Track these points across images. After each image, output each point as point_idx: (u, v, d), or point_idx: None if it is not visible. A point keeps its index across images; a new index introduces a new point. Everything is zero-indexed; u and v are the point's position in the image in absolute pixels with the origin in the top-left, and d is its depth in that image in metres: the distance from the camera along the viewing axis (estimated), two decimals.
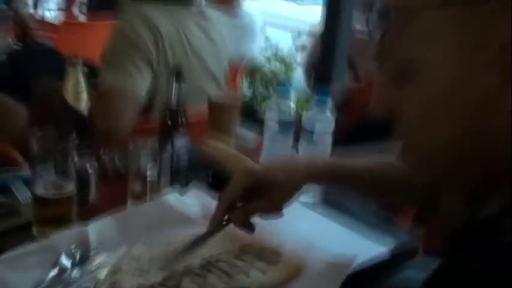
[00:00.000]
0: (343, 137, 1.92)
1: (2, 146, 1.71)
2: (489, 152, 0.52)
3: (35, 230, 0.97)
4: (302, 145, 1.25)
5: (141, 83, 1.43)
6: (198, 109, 1.59)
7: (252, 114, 3.36)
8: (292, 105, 1.28)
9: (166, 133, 1.19)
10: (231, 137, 1.39)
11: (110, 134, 1.33)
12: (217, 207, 0.89)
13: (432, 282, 0.58)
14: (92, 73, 2.11)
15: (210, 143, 1.31)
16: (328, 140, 1.23)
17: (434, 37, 0.52)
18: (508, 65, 0.48)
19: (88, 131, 1.05)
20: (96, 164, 1.01)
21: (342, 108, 2.17)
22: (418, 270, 0.97)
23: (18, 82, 2.01)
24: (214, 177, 1.23)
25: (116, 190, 1.12)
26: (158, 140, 1.20)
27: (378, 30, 0.58)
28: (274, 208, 0.89)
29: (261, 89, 3.31)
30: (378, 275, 1.01)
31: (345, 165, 0.92)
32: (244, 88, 2.75)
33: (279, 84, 1.28)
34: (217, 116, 1.39)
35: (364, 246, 1.03)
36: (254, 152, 1.64)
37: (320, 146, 1.22)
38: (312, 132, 1.22)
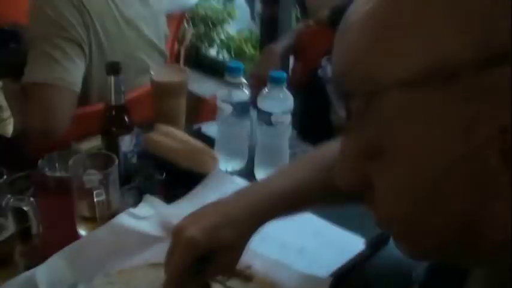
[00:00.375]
0: (300, 85, 1.84)
1: None
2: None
3: None
4: (260, 128, 1.14)
5: (74, 72, 1.27)
6: (143, 88, 1.45)
7: (199, 58, 3.21)
8: (245, 82, 1.16)
9: (109, 138, 1.07)
10: (179, 124, 1.27)
11: (47, 133, 1.19)
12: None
13: None
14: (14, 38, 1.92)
15: (157, 134, 1.19)
16: (288, 120, 1.13)
17: (401, 120, 0.44)
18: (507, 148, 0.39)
19: (18, 154, 0.91)
20: (31, 199, 0.88)
21: (295, 55, 2.06)
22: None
23: None
24: (168, 173, 1.13)
25: (62, 208, 1.00)
26: (103, 146, 1.09)
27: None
28: (230, 269, 0.79)
29: (202, 30, 3.12)
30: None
31: (292, 194, 0.80)
32: (187, 34, 2.58)
33: (228, 67, 1.14)
34: (162, 100, 1.26)
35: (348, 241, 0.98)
36: (210, 100, 1.52)
37: (280, 127, 1.12)
38: (269, 114, 1.11)
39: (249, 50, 2.96)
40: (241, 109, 1.16)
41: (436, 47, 0.41)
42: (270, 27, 2.37)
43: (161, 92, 1.25)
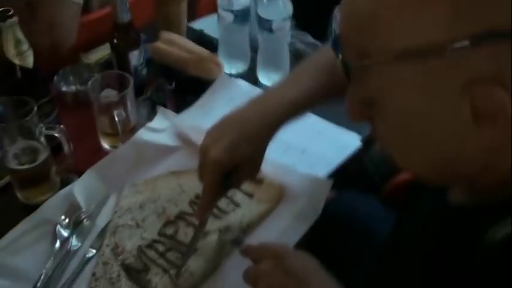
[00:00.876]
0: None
1: None
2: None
3: (18, 195, 0.97)
4: (262, 35, 1.20)
5: None
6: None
7: None
8: None
9: (118, 53, 1.13)
10: (182, 30, 1.32)
11: (56, 48, 1.24)
12: (200, 209, 0.86)
13: None
14: None
15: (163, 43, 1.25)
16: (288, 26, 1.18)
17: (393, 86, 0.52)
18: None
19: (41, 82, 0.99)
20: (61, 126, 0.97)
21: None
22: None
23: None
24: (178, 81, 1.20)
25: (83, 121, 1.10)
26: (114, 60, 1.15)
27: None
28: (253, 176, 0.89)
29: None
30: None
31: (299, 103, 0.88)
32: None
33: None
34: (166, 4, 1.29)
35: (344, 138, 1.08)
36: None
37: (280, 34, 1.18)
38: (270, 21, 1.16)
39: None
40: (242, 16, 1.20)
41: (419, 29, 0.48)
42: None
43: None
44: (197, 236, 0.87)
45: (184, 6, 1.32)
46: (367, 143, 1.11)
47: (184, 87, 1.20)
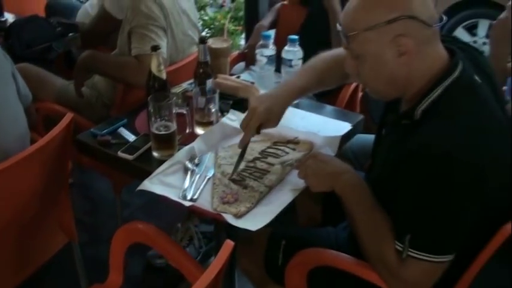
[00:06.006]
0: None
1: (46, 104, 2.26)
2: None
3: (155, 154, 1.62)
4: (284, 70, 1.95)
5: (163, 45, 2.02)
6: (193, 54, 2.22)
7: None
8: (272, 46, 1.97)
9: (201, 79, 1.83)
10: (227, 74, 2.06)
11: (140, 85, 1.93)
12: (241, 142, 1.55)
13: None
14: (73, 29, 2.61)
15: (221, 78, 1.97)
16: (300, 63, 1.93)
17: (366, 45, 1.24)
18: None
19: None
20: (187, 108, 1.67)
21: (276, 28, 2.84)
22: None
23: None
24: (233, 102, 1.91)
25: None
26: (197, 85, 1.85)
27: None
28: (274, 125, 1.57)
29: None
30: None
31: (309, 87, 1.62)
32: None
33: (264, 35, 1.95)
34: (218, 59, 2.03)
35: (340, 125, 1.80)
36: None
37: (295, 69, 1.93)
38: (290, 61, 1.91)
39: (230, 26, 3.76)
40: (271, 59, 1.96)
41: (377, 14, 1.22)
42: (252, 8, 3.15)
43: (216, 54, 2.02)
44: (243, 153, 1.56)
45: (228, 60, 2.07)
46: (349, 136, 1.82)
47: (237, 106, 1.91)
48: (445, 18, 1.28)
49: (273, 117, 1.53)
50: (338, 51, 1.52)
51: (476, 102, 1.25)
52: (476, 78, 1.29)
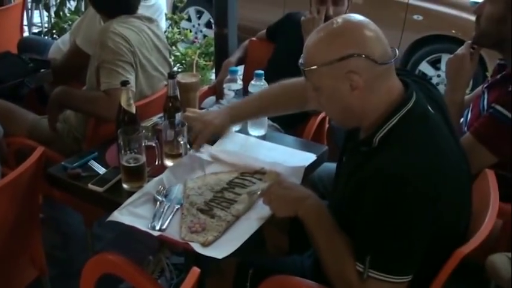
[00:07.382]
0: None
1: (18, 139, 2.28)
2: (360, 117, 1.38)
3: (125, 186, 1.66)
4: None
5: (131, 80, 2.07)
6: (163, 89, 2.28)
7: None
8: (239, 81, 2.04)
9: (170, 113, 1.88)
10: (196, 108, 2.12)
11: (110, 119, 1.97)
12: (195, 148, 1.77)
13: None
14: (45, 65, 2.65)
15: (189, 112, 2.03)
16: None
17: (321, 79, 1.34)
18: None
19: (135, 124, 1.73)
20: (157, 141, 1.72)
21: (245, 64, 2.93)
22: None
23: None
24: None
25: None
26: (166, 117, 1.90)
27: None
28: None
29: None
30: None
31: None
32: None
33: (231, 70, 2.03)
34: (187, 93, 2.09)
35: (305, 156, 1.87)
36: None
37: None
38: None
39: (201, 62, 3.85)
40: (238, 93, 2.03)
41: (332, 51, 1.31)
42: (222, 44, 3.24)
43: (185, 88, 2.08)
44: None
45: (197, 94, 2.13)
46: (313, 166, 1.89)
47: None
48: (397, 52, 1.37)
49: (218, 132, 1.83)
50: (300, 79, 1.60)
51: (429, 129, 1.33)
52: (429, 108, 1.37)
